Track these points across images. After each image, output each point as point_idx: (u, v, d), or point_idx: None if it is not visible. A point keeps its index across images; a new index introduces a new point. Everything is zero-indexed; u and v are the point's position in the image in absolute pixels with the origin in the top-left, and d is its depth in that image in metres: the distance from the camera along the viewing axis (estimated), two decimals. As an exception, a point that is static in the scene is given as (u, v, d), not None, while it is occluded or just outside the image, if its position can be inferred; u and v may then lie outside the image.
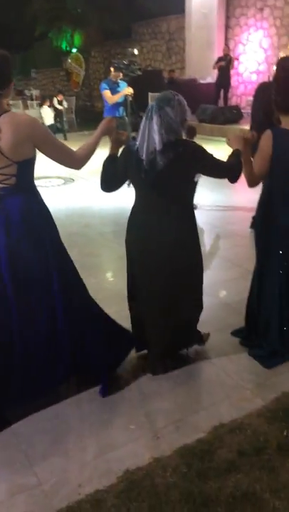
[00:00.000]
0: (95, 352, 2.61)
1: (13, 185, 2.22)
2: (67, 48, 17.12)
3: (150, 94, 12.62)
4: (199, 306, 2.85)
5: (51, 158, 2.35)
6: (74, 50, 16.79)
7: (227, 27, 14.04)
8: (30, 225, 2.29)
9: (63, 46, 17.12)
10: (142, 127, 2.38)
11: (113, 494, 1.98)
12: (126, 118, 7.51)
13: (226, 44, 13.69)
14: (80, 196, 6.88)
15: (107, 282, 4.20)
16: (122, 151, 2.56)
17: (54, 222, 2.46)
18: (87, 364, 2.62)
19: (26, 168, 2.25)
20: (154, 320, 2.70)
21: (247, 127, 5.71)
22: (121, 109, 7.52)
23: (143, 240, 2.56)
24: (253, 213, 5.08)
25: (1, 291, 2.30)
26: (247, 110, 11.83)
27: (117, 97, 7.36)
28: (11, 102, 13.83)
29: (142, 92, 10.96)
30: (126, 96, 7.35)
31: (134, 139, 2.46)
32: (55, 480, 2.09)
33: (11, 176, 2.20)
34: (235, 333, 3.16)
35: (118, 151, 2.60)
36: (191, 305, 2.79)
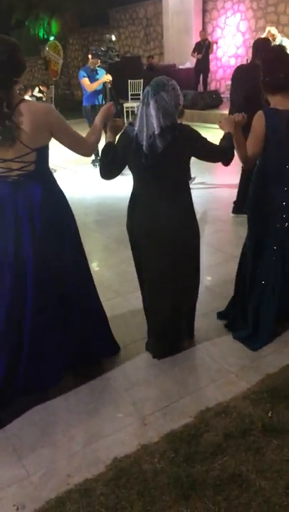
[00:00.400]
0: (97, 343, 2.68)
1: (32, 171, 2.26)
2: (45, 36, 16.81)
3: (130, 81, 12.53)
4: (197, 290, 2.90)
5: (64, 145, 2.39)
6: (51, 38, 16.49)
7: (204, 11, 13.91)
8: (50, 211, 2.33)
9: (41, 34, 16.78)
10: (139, 113, 2.43)
11: (102, 483, 2.00)
12: (105, 106, 7.45)
13: (204, 28, 13.57)
14: (62, 186, 6.82)
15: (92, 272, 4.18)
16: (120, 137, 2.58)
17: (71, 211, 2.49)
18: (89, 353, 2.67)
19: (43, 154, 2.30)
20: (160, 304, 2.74)
21: (226, 112, 5.70)
22: (100, 96, 7.44)
23: (146, 224, 2.59)
24: (234, 199, 5.14)
25: (22, 277, 2.31)
26: (226, 95, 11.80)
27: (96, 85, 7.28)
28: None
29: (121, 78, 10.86)
30: (105, 83, 7.27)
31: (132, 124, 2.50)
32: (43, 471, 2.10)
33: (30, 162, 2.24)
34: (221, 315, 3.19)
35: (115, 138, 2.63)
36: (193, 288, 2.85)
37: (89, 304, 2.61)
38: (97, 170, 8.49)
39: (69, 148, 2.42)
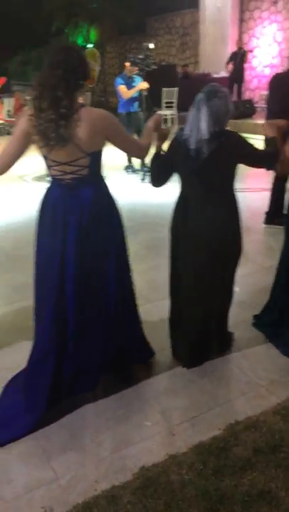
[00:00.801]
0: (132, 347, 2.69)
1: (85, 175, 2.32)
2: (83, 44, 17.11)
3: (164, 89, 12.59)
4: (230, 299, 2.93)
5: (120, 148, 2.47)
6: (90, 46, 16.76)
7: (241, 20, 13.90)
8: (99, 216, 2.37)
9: (79, 42, 17.08)
10: (190, 117, 2.48)
11: (129, 491, 2.00)
12: (140, 113, 7.50)
13: (240, 38, 13.55)
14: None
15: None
16: (170, 144, 2.65)
17: (120, 216, 2.52)
18: (125, 354, 2.67)
19: (97, 159, 2.36)
20: (194, 312, 2.75)
21: (260, 121, 5.66)
22: (136, 104, 7.50)
23: (189, 227, 2.62)
24: (266, 208, 5.09)
25: (64, 277, 2.36)
26: (260, 104, 11.73)
27: (132, 92, 7.34)
28: (28, 98, 13.87)
29: (155, 86, 10.93)
30: (141, 91, 7.33)
31: (182, 129, 2.56)
32: (72, 475, 2.11)
33: (84, 167, 2.30)
34: (256, 317, 3.22)
35: (162, 146, 2.70)
36: (227, 296, 2.87)
37: (127, 309, 2.63)
38: (129, 176, 8.53)
39: (124, 151, 2.51)
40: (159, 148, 2.70)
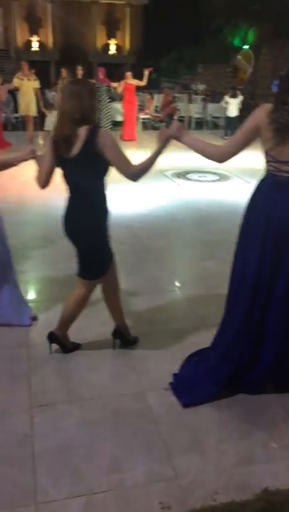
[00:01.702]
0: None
1: None
2: (240, 45, 16.93)
3: None
4: None
5: None
6: (245, 47, 16.54)
7: None
8: None
9: (236, 42, 16.95)
10: None
11: (249, 511, 1.90)
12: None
13: None
14: (232, 193, 6.74)
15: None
16: None
17: None
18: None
19: None
20: None
21: None
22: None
23: None
24: None
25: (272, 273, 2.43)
26: None
27: None
28: (176, 95, 14.18)
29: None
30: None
31: None
32: (192, 478, 2.07)
33: None
34: None
35: None
36: None
37: None
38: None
39: None
40: None
